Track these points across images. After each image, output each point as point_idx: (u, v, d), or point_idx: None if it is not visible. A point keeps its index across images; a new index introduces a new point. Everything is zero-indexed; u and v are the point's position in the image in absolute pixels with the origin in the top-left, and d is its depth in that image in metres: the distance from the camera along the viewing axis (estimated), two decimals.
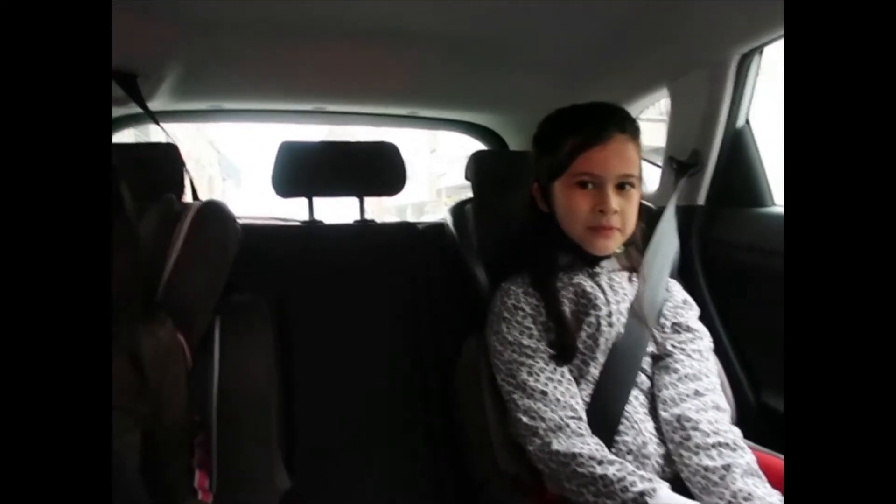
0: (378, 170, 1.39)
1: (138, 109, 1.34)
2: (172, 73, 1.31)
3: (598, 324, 0.96)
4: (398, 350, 1.27)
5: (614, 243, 0.98)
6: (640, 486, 0.79)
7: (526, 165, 1.08)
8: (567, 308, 0.97)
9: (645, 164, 1.71)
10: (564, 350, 0.95)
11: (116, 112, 1.54)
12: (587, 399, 0.95)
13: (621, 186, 0.96)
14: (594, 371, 0.96)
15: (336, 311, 1.27)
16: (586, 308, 0.97)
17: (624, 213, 0.96)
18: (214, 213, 0.90)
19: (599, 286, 1.00)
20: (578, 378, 0.96)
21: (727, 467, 0.83)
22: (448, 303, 1.25)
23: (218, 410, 0.82)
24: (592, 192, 0.95)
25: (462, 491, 1.17)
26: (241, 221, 1.11)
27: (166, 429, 0.73)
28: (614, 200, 0.94)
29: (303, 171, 1.35)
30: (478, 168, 1.34)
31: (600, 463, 0.83)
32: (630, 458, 0.91)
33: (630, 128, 0.98)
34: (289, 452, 1.14)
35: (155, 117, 1.37)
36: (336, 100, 1.72)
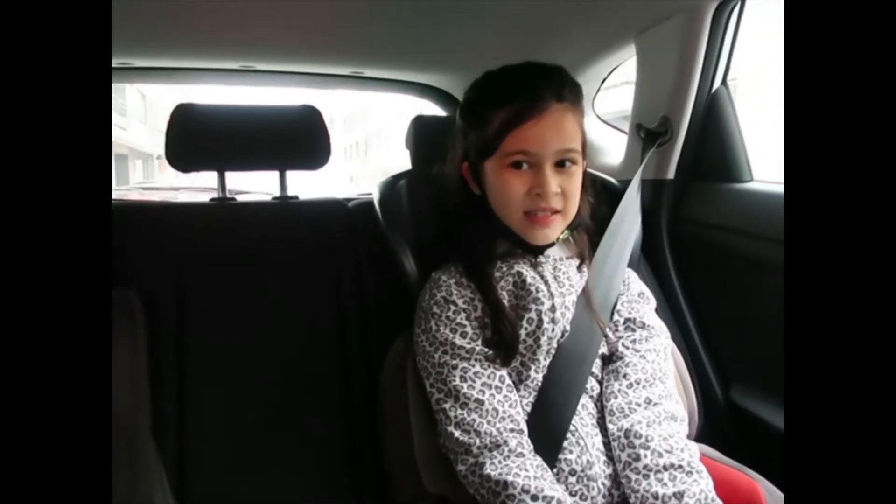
0: (299, 138, 1.19)
1: None
2: None
3: (540, 320, 0.85)
4: (316, 357, 1.09)
5: (555, 230, 0.87)
6: None
7: None
8: (506, 301, 0.86)
9: (613, 133, 1.56)
10: (504, 349, 0.84)
11: None
12: (527, 409, 0.84)
13: (561, 164, 0.84)
14: (536, 376, 0.86)
15: (242, 311, 1.07)
16: (526, 301, 0.86)
17: (566, 193, 0.85)
18: None
19: (542, 276, 0.89)
20: (518, 384, 0.86)
21: (679, 495, 0.74)
22: (379, 298, 1.09)
23: None
24: (528, 173, 0.84)
25: None
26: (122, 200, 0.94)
27: None
28: (554, 181, 0.83)
29: (208, 139, 1.13)
30: (417, 136, 1.16)
31: (534, 499, 0.73)
32: (573, 479, 0.81)
33: (569, 95, 0.85)
34: (180, 480, 0.97)
35: None
36: (266, 57, 1.52)
